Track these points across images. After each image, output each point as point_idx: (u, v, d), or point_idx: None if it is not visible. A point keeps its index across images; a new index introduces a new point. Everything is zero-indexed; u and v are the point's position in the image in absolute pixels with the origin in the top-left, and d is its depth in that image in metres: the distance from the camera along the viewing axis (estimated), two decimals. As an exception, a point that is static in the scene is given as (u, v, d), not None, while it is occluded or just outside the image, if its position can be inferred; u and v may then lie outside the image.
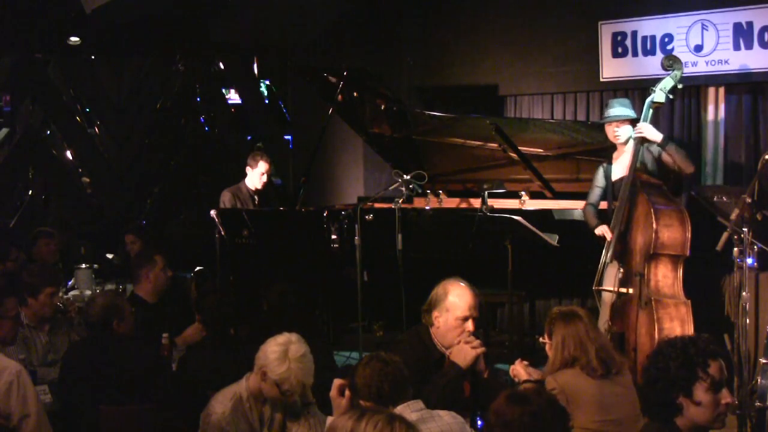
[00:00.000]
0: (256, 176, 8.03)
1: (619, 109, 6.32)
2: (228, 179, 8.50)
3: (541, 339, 4.49)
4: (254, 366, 4.15)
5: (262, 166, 8.00)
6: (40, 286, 5.62)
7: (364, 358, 3.76)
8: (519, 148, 7.39)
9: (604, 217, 6.29)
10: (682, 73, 6.22)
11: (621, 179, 6.19)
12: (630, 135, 6.26)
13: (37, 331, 5.66)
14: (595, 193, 6.48)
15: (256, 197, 8.08)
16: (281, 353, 4.05)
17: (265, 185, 8.13)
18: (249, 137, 11.69)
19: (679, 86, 6.23)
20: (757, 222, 5.67)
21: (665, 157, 6.12)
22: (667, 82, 6.15)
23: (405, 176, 6.81)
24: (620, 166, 6.28)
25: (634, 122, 6.27)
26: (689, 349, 3.07)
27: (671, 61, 6.24)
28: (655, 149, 6.21)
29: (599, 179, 6.46)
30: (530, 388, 3.08)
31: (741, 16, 7.36)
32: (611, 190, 6.35)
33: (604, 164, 6.47)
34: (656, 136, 6.08)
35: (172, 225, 11.25)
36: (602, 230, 6.18)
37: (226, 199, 8.02)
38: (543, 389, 3.15)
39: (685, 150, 6.23)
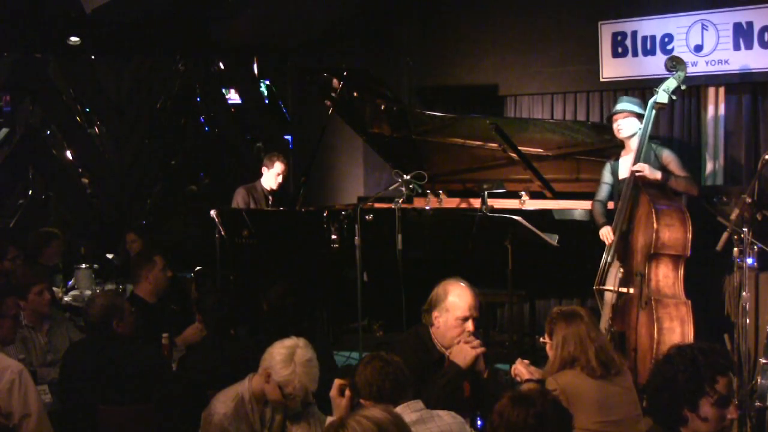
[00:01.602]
0: (271, 177, 8.04)
1: (623, 104, 6.35)
2: (229, 179, 8.49)
3: (541, 339, 4.49)
4: (259, 367, 4.16)
5: (278, 167, 8.01)
6: (27, 286, 5.62)
7: (365, 358, 3.77)
8: (519, 148, 7.39)
9: (610, 217, 6.29)
10: (686, 74, 6.23)
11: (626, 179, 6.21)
12: (634, 131, 6.28)
13: (36, 331, 5.66)
14: (603, 189, 6.50)
15: (270, 197, 8.09)
16: (287, 356, 4.06)
17: (281, 186, 8.13)
18: (249, 137, 11.70)
19: (683, 87, 6.24)
20: (757, 222, 5.68)
21: (670, 185, 6.11)
22: (671, 83, 6.16)
23: (405, 176, 6.80)
24: (627, 164, 6.28)
25: (640, 117, 6.28)
26: (699, 360, 3.04)
27: (675, 62, 6.26)
28: (659, 151, 6.22)
29: (606, 176, 6.49)
30: (534, 390, 3.07)
31: (741, 16, 7.35)
32: (618, 188, 6.36)
33: (611, 161, 6.48)
34: (655, 174, 6.06)
35: (172, 225, 11.25)
36: (604, 233, 6.19)
37: (239, 197, 8.03)
38: (547, 390, 3.15)
39: (686, 175, 6.20)
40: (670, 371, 3.07)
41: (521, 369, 4.47)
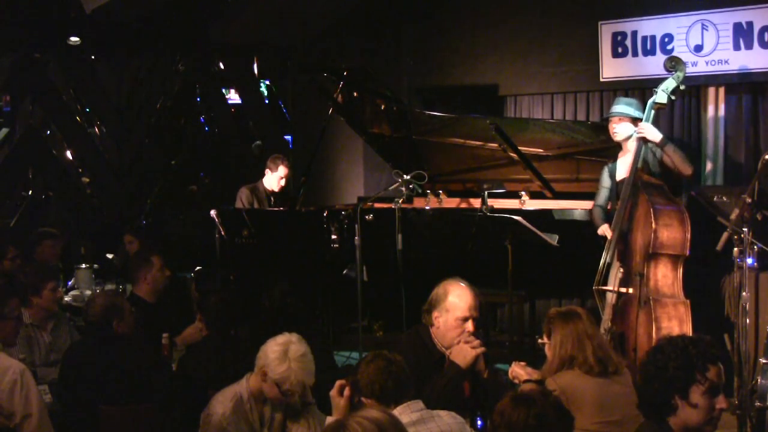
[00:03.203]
0: (274, 180, 8.09)
1: (620, 107, 6.35)
2: (229, 179, 8.48)
3: (540, 340, 4.49)
4: (255, 366, 4.16)
5: (282, 170, 8.06)
6: (42, 283, 5.65)
7: (367, 356, 3.77)
8: (519, 148, 7.39)
9: (610, 219, 6.30)
10: (685, 74, 6.23)
11: (624, 180, 6.21)
12: (629, 134, 6.28)
13: (40, 330, 5.68)
14: (602, 194, 6.49)
15: (272, 197, 8.12)
16: (281, 353, 4.05)
17: (283, 189, 8.16)
18: (249, 137, 11.70)
19: (682, 87, 6.24)
20: (756, 222, 5.67)
21: (664, 158, 6.15)
22: (669, 83, 6.16)
23: (405, 176, 6.80)
24: (624, 166, 6.28)
25: (635, 121, 6.28)
26: (690, 350, 3.06)
27: (674, 63, 6.25)
28: (658, 150, 6.23)
29: (605, 179, 6.48)
30: (536, 390, 3.08)
31: (741, 16, 7.36)
32: (615, 190, 6.36)
33: (609, 164, 6.48)
34: (656, 135, 6.11)
35: (172, 225, 11.25)
36: (603, 229, 6.21)
37: (243, 196, 8.07)
38: (548, 391, 3.16)
39: (684, 152, 6.24)
40: (661, 360, 3.08)
41: (518, 371, 4.47)
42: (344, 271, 6.98)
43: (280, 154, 8.36)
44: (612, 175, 6.43)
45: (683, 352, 3.06)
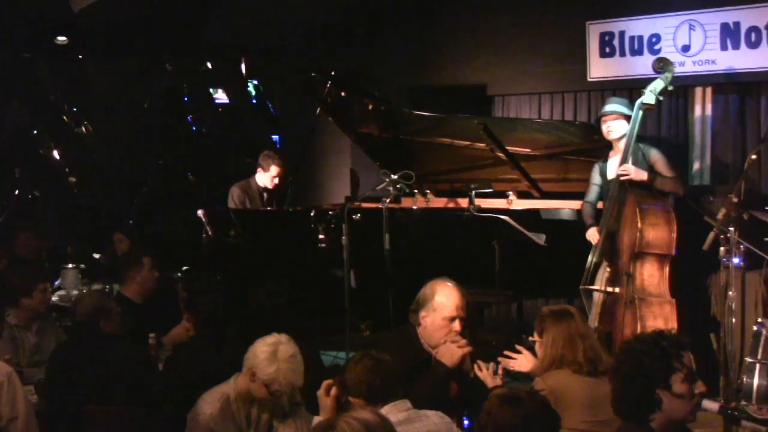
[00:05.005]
0: (266, 178, 8.08)
1: (614, 105, 6.36)
2: (215, 179, 8.45)
3: (530, 338, 4.49)
4: (243, 366, 4.15)
5: (274, 170, 8.05)
6: (33, 284, 5.63)
7: (355, 355, 3.77)
8: (507, 148, 7.39)
9: (599, 218, 6.30)
10: (673, 75, 6.24)
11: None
12: (623, 132, 6.28)
13: (25, 331, 5.64)
14: (592, 190, 6.50)
15: (265, 194, 8.11)
16: (270, 354, 4.05)
17: (276, 186, 8.14)
18: (238, 137, 11.69)
19: (670, 88, 6.25)
20: (743, 221, 5.70)
21: (658, 185, 6.12)
22: (658, 84, 6.17)
23: (392, 176, 6.79)
24: (615, 165, 6.29)
25: (629, 119, 6.28)
26: (661, 341, 3.08)
27: (662, 63, 6.27)
28: (647, 151, 6.23)
29: (595, 177, 6.50)
30: (523, 390, 3.09)
31: (728, 16, 7.38)
32: (607, 189, 6.37)
33: (600, 162, 6.49)
34: (641, 175, 6.07)
35: (159, 225, 11.21)
36: (590, 234, 6.20)
37: (235, 194, 8.04)
38: (535, 391, 3.17)
39: (673, 175, 6.21)
40: (635, 358, 3.09)
41: (487, 377, 4.45)
42: (331, 271, 6.99)
43: (272, 151, 8.34)
44: (603, 174, 6.44)
45: (656, 345, 3.07)
